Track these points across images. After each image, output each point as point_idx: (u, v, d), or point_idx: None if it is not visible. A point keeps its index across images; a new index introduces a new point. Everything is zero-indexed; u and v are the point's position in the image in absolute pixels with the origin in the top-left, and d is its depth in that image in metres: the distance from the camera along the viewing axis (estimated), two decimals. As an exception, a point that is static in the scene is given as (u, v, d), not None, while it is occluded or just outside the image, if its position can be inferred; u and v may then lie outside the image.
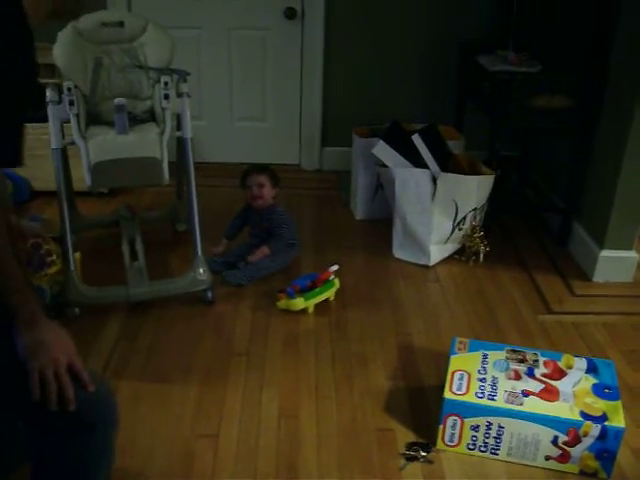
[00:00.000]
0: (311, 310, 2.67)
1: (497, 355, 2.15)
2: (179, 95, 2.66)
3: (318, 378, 2.33)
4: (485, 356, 2.15)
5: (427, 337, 2.56)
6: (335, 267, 2.75)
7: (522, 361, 2.12)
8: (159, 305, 2.68)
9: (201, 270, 2.67)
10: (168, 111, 2.61)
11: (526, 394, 1.99)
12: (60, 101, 2.53)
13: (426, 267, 3.02)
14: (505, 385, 2.02)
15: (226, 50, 3.88)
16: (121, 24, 2.69)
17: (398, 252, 3.10)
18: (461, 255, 3.08)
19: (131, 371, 2.35)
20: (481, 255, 3.03)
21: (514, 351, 2.17)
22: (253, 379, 2.32)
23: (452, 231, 2.99)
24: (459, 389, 2.01)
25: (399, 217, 3.05)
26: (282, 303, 2.67)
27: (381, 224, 3.27)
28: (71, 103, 2.51)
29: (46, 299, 2.57)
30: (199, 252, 2.69)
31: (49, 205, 3.35)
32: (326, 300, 2.72)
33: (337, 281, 2.77)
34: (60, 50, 2.65)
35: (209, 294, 2.71)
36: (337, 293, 2.76)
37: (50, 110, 2.53)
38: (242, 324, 2.61)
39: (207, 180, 3.83)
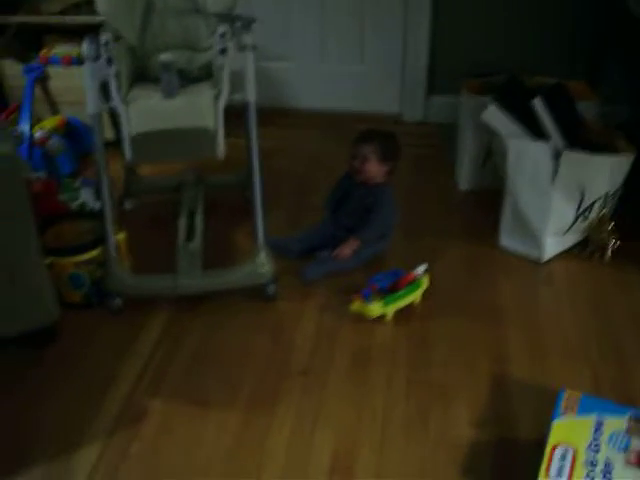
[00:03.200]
0: (390, 317, 2.21)
1: (615, 424, 1.63)
2: (241, 48, 2.18)
3: (386, 415, 1.89)
4: (599, 424, 1.63)
5: (530, 365, 2.05)
6: (423, 267, 2.26)
7: (650, 437, 1.60)
8: (213, 297, 2.29)
9: (262, 261, 2.25)
10: (226, 68, 2.14)
11: (651, 492, 1.49)
12: (98, 57, 2.11)
13: (538, 262, 2.47)
14: (622, 474, 1.52)
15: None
16: (175, -41, 2.21)
17: (506, 240, 2.55)
18: (583, 249, 2.50)
19: (167, 386, 2.00)
20: (609, 251, 2.44)
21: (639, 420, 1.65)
22: (307, 409, 1.91)
23: (574, 220, 2.41)
24: (559, 474, 1.52)
25: (510, 198, 2.49)
26: (356, 306, 2.22)
27: (490, 198, 2.70)
28: (109, 60, 2.09)
29: (84, 288, 2.25)
30: (260, 239, 2.26)
31: (114, 159, 2.99)
32: (410, 303, 2.26)
33: (425, 280, 2.28)
34: (103, -8, 2.23)
35: (270, 289, 2.29)
36: (425, 293, 2.29)
37: (86, 68, 2.11)
38: (305, 330, 2.19)
39: (292, 131, 3.44)
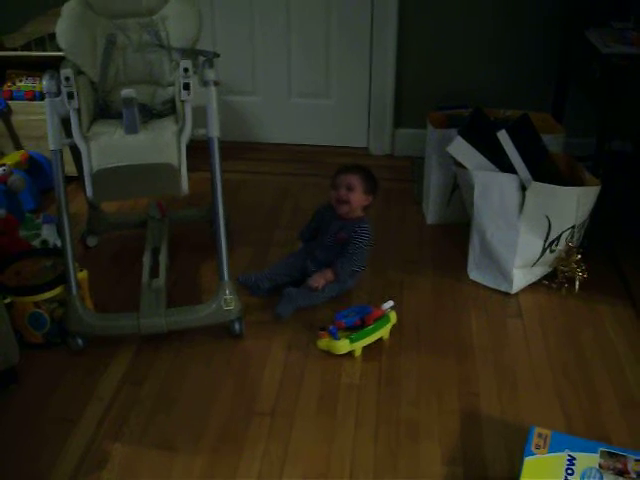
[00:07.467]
0: (358, 354, 2.18)
1: (587, 460, 1.61)
2: (204, 83, 2.16)
3: (355, 455, 1.84)
4: (571, 461, 1.61)
5: (499, 401, 2.02)
6: (390, 304, 2.24)
7: (621, 473, 1.58)
8: (178, 336, 2.24)
9: (227, 298, 2.21)
10: (188, 104, 2.12)
11: (624, 531, 1.46)
12: (59, 92, 2.08)
13: (507, 295, 2.46)
14: (596, 513, 1.50)
15: (284, 16, 3.34)
16: (139, -7, 2.20)
17: (473, 273, 2.54)
18: (551, 281, 2.49)
19: (130, 430, 1.93)
20: (577, 283, 2.44)
21: (611, 455, 1.62)
22: (274, 452, 1.85)
23: (542, 253, 2.41)
24: (531, 515, 1.50)
25: (477, 231, 2.48)
26: (323, 343, 2.19)
27: (457, 232, 2.72)
28: (70, 96, 2.06)
29: (45, 328, 2.19)
30: (225, 277, 2.21)
31: (78, 194, 2.94)
32: (379, 339, 2.22)
33: (393, 315, 2.26)
34: (64, 26, 2.20)
35: (237, 326, 2.24)
36: (393, 328, 2.26)
37: (47, 104, 2.09)
38: (272, 369, 2.14)
39: (259, 165, 3.43)
